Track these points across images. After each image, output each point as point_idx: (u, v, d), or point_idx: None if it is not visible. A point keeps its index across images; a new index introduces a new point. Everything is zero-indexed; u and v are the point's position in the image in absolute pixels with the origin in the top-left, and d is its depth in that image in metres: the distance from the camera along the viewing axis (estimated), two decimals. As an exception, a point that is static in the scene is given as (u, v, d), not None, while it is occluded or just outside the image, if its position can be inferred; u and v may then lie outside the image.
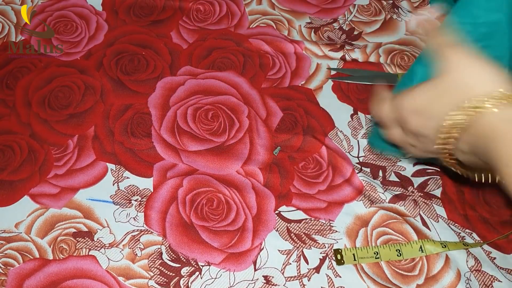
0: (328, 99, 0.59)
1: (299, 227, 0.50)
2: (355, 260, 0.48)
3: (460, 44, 0.36)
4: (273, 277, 0.47)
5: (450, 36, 0.37)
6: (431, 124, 0.36)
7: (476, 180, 0.36)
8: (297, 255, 0.48)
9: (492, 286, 0.47)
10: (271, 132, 0.55)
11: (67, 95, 0.57)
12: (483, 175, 0.36)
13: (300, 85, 0.60)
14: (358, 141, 0.56)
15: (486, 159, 0.33)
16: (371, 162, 0.54)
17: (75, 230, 0.49)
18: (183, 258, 0.48)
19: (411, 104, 0.37)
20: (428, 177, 0.53)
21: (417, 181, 0.53)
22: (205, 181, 0.52)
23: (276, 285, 0.47)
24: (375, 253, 0.48)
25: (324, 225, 0.50)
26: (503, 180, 0.32)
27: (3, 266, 0.46)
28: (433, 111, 0.36)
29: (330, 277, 0.47)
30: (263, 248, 0.48)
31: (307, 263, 0.48)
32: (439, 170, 0.54)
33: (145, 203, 0.50)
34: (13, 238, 0.48)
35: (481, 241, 0.50)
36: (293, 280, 0.47)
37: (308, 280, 0.47)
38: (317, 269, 0.48)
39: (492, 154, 0.32)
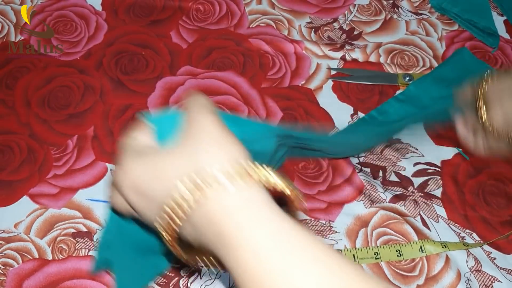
0: (328, 99, 0.58)
1: (299, 228, 0.50)
2: (355, 260, 0.47)
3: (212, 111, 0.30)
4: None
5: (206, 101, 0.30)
6: (153, 206, 0.28)
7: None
8: (297, 255, 0.48)
9: (492, 286, 0.47)
10: (271, 132, 0.55)
11: (66, 95, 0.57)
12: (205, 258, 0.29)
13: (300, 85, 0.59)
14: (358, 141, 0.55)
15: (212, 247, 0.27)
16: (371, 162, 0.54)
17: (74, 231, 0.48)
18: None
19: (128, 181, 0.29)
20: (429, 177, 0.53)
21: (417, 181, 0.53)
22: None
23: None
24: (375, 254, 0.48)
25: (324, 225, 0.50)
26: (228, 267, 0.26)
27: (2, 267, 0.46)
28: (155, 192, 0.28)
29: (330, 278, 0.47)
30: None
31: (307, 263, 0.48)
32: (439, 170, 0.54)
33: (144, 203, 0.50)
34: (12, 239, 0.48)
35: (481, 242, 0.50)
36: (293, 280, 0.47)
37: (308, 281, 0.47)
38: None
39: (221, 248, 0.26)
